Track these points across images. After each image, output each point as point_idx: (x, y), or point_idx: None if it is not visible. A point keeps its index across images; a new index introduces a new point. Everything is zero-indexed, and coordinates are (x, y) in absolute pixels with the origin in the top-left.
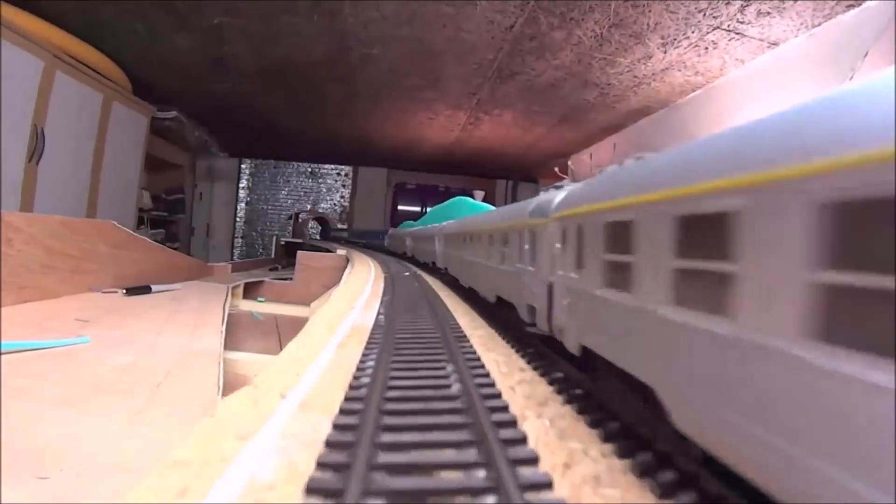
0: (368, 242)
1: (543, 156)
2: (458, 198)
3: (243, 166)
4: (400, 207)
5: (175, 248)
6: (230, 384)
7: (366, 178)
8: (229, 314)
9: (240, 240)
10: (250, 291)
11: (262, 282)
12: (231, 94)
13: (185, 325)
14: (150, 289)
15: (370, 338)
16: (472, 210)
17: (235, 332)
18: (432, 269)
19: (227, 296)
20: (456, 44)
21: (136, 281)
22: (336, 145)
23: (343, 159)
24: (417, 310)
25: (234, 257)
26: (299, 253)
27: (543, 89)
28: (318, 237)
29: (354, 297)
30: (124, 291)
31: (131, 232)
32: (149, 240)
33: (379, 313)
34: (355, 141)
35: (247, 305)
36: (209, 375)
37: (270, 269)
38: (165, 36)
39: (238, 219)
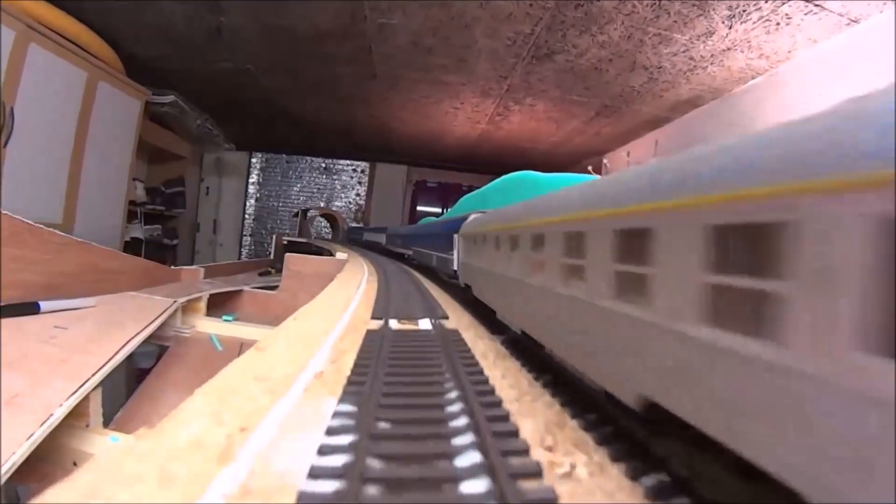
0: (419, 258)
1: (576, 153)
2: (518, 174)
3: (254, 160)
4: (419, 208)
5: (174, 247)
6: None
7: (383, 174)
8: (177, 339)
9: (248, 238)
10: (224, 304)
11: (239, 291)
12: (233, 75)
13: None
14: (38, 307)
15: None
16: (542, 189)
17: (174, 372)
18: None
19: (160, 317)
20: (488, 11)
21: (42, 292)
22: (351, 137)
23: (359, 154)
24: None
25: (242, 256)
26: (287, 256)
27: (584, 73)
28: (328, 237)
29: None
30: None
31: (30, 222)
32: (64, 234)
33: None
34: (372, 132)
35: (208, 326)
36: None
37: (261, 274)
38: (155, 3)
39: (247, 216)
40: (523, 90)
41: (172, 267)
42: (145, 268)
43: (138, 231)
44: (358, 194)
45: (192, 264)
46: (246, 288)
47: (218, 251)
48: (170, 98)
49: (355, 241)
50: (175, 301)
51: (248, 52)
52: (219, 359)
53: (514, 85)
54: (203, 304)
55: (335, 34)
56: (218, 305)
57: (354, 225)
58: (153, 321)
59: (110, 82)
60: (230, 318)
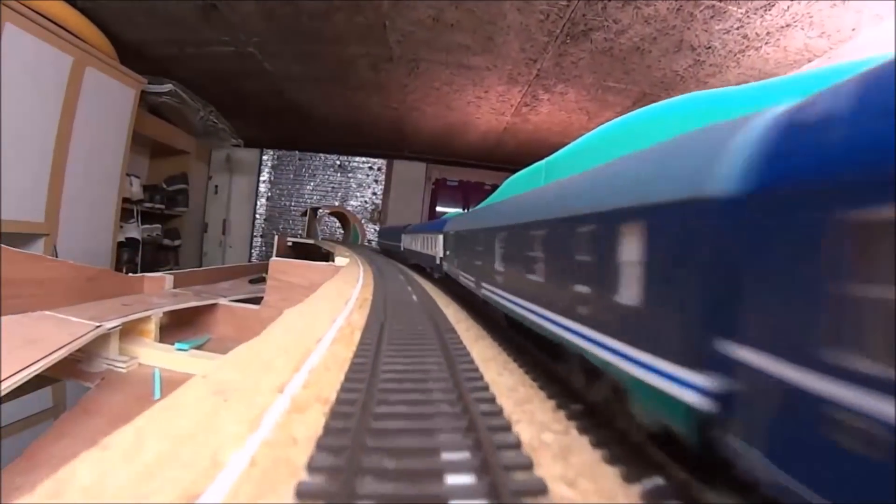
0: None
1: None
2: (686, 98)
3: (265, 157)
4: (439, 208)
5: (175, 248)
6: None
7: (401, 172)
8: (110, 376)
9: (259, 239)
10: (194, 321)
11: (214, 305)
12: (235, 60)
13: None
14: None
15: None
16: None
17: (80, 429)
18: None
19: (57, 353)
20: None
21: None
22: (367, 132)
23: (375, 151)
24: None
25: (253, 258)
26: (272, 262)
27: (624, 54)
28: (341, 238)
29: None
30: None
31: None
32: None
33: None
34: (389, 126)
35: (156, 357)
36: None
37: (253, 281)
38: None
39: (258, 216)
40: (554, 76)
41: (131, 274)
42: (87, 276)
43: (134, 231)
44: (374, 193)
45: (200, 266)
46: (222, 301)
47: (228, 253)
48: (167, 87)
49: (389, 251)
50: (98, 326)
51: (248, 31)
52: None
53: (545, 69)
54: (153, 327)
55: (344, 7)
56: (188, 323)
57: (388, 226)
58: (38, 361)
59: (100, 68)
60: (186, 346)
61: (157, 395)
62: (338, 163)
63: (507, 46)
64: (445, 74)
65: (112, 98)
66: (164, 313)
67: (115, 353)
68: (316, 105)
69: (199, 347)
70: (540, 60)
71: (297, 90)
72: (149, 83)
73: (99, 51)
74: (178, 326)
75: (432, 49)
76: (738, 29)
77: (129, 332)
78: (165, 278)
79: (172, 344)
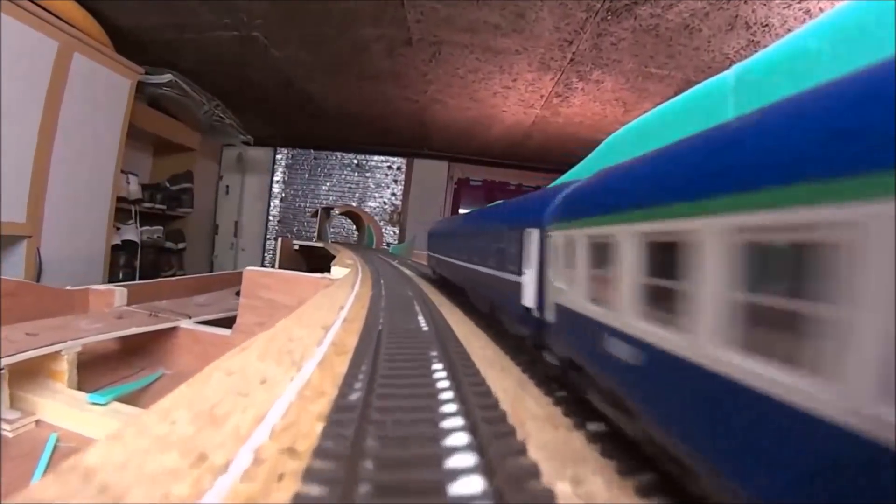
0: None
1: None
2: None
3: (279, 157)
4: (461, 210)
5: (179, 251)
6: None
7: (422, 172)
8: None
9: (272, 241)
10: (149, 349)
11: (173, 328)
12: (239, 47)
13: None
14: None
15: None
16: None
17: None
18: None
19: None
20: None
21: None
22: (385, 127)
23: (394, 149)
24: None
25: (265, 262)
26: (246, 273)
27: (671, 34)
28: (355, 241)
29: None
30: None
31: None
32: None
33: None
34: (408, 121)
35: (60, 412)
36: None
37: (239, 293)
38: None
39: (271, 217)
40: (591, 60)
41: (69, 288)
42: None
43: (132, 233)
44: (394, 193)
45: (210, 271)
46: (183, 323)
47: (240, 256)
48: (167, 77)
49: (450, 286)
50: None
51: (250, 13)
52: None
53: (581, 53)
54: (65, 368)
55: None
56: (138, 352)
57: (453, 219)
58: None
59: (90, 55)
60: (103, 397)
61: (39, 476)
62: (355, 162)
63: (540, 25)
64: (470, 60)
65: (104, 88)
66: (113, 339)
67: (4, 406)
68: (328, 97)
69: (134, 391)
70: (576, 41)
71: (306, 80)
72: (147, 73)
73: (89, 36)
74: (124, 357)
75: (455, 29)
76: (799, 3)
77: (32, 374)
78: (115, 292)
79: (93, 391)
